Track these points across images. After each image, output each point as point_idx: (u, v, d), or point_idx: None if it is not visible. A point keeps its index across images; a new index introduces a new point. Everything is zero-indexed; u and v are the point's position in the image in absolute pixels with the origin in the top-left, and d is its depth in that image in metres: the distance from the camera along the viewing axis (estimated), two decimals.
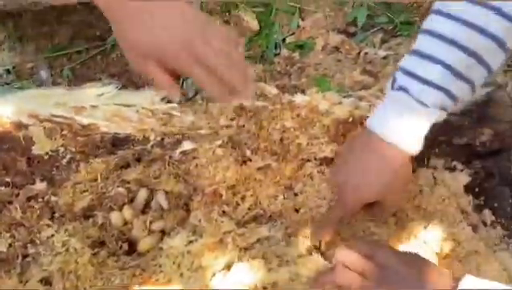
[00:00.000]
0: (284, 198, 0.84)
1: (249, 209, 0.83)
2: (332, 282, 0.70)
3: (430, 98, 0.70)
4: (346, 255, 0.70)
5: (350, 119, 0.85)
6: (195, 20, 0.63)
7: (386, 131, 0.72)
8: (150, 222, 0.82)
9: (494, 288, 0.66)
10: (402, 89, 0.71)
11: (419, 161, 0.86)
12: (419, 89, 0.70)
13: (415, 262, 0.69)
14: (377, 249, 0.70)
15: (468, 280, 0.65)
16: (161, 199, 0.84)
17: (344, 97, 0.88)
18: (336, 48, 1.15)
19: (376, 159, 0.73)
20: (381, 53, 1.13)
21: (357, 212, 0.79)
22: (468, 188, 0.85)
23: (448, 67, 0.69)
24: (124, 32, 0.63)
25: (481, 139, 0.86)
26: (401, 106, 0.71)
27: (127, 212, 0.81)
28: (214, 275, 0.76)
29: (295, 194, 0.85)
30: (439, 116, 0.72)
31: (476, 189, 0.85)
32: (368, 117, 0.84)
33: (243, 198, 0.84)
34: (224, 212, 0.83)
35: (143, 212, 0.83)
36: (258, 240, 0.81)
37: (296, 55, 1.14)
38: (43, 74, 1.08)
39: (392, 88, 0.73)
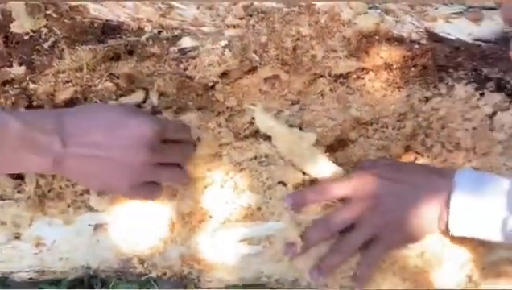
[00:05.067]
0: (290, 115, 0.76)
1: (250, 122, 0.75)
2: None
3: None
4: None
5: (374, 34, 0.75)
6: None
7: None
8: None
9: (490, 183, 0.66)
10: None
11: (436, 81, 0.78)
12: None
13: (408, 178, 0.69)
14: (358, 185, 0.68)
15: (462, 176, 0.66)
16: (152, 100, 0.75)
17: (370, 8, 0.78)
18: None
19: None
20: None
21: None
22: None
23: None
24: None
25: None
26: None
27: None
28: (206, 188, 0.70)
29: (302, 111, 0.77)
30: None
31: None
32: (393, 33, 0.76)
33: (245, 110, 0.76)
34: (220, 124, 0.75)
35: None
36: (256, 157, 0.74)
37: None
38: None
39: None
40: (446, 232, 0.68)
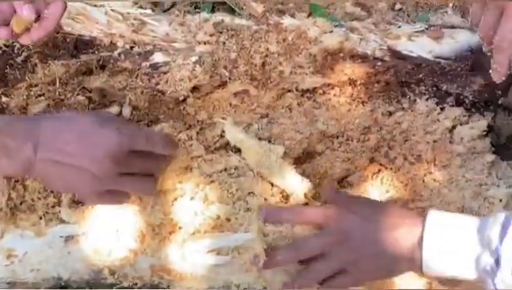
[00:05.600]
0: (259, 128, 0.79)
1: (220, 135, 0.78)
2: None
3: None
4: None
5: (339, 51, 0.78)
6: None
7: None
8: None
9: (461, 222, 0.66)
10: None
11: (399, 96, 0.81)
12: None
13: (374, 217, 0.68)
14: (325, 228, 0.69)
15: (433, 216, 0.67)
16: (125, 114, 0.77)
17: (336, 26, 0.81)
18: None
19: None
20: None
21: None
22: None
23: None
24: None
25: (471, 88, 0.81)
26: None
27: None
28: (176, 200, 0.72)
29: (271, 125, 0.79)
30: None
31: None
32: (357, 51, 0.79)
33: (215, 123, 0.78)
34: (191, 137, 0.77)
35: None
36: (226, 169, 0.76)
37: None
38: None
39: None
40: (419, 272, 0.68)
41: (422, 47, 0.82)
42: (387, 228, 0.68)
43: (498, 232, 0.62)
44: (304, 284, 0.70)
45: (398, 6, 1.02)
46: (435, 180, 0.80)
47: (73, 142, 0.62)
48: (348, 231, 0.69)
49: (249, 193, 0.75)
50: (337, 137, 0.80)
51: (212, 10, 0.99)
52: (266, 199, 0.75)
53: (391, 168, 0.80)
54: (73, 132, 0.62)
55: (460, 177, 0.80)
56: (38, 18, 0.63)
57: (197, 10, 0.99)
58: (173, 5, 1.01)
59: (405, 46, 0.82)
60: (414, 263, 0.68)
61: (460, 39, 0.83)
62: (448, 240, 0.66)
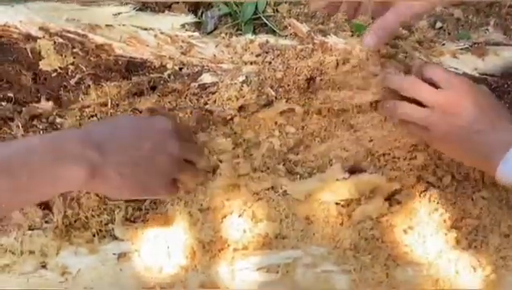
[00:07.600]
0: (305, 147, 0.79)
1: (268, 156, 0.78)
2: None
3: None
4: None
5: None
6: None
7: None
8: None
9: None
10: None
11: None
12: None
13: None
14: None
15: None
16: None
17: None
18: None
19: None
20: None
21: None
22: None
23: None
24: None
25: None
26: None
27: None
28: (225, 217, 0.72)
29: (318, 143, 0.80)
30: None
31: None
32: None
33: (260, 142, 0.79)
34: (238, 156, 0.78)
35: None
36: (273, 187, 0.77)
37: None
38: None
39: None
40: (491, 172, 0.68)
41: (466, 64, 0.82)
42: (491, 120, 0.70)
43: None
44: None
45: (438, 25, 1.02)
46: (484, 198, 0.79)
47: (132, 136, 0.61)
48: (456, 112, 0.70)
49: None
50: (384, 155, 0.80)
51: (254, 32, 1.00)
52: (308, 218, 0.75)
53: (439, 186, 0.80)
54: (127, 127, 0.63)
55: (510, 194, 0.79)
56: None
57: (239, 32, 1.00)
58: (215, 28, 1.03)
59: (450, 63, 0.82)
60: (492, 161, 0.68)
61: (504, 56, 0.83)
62: None
